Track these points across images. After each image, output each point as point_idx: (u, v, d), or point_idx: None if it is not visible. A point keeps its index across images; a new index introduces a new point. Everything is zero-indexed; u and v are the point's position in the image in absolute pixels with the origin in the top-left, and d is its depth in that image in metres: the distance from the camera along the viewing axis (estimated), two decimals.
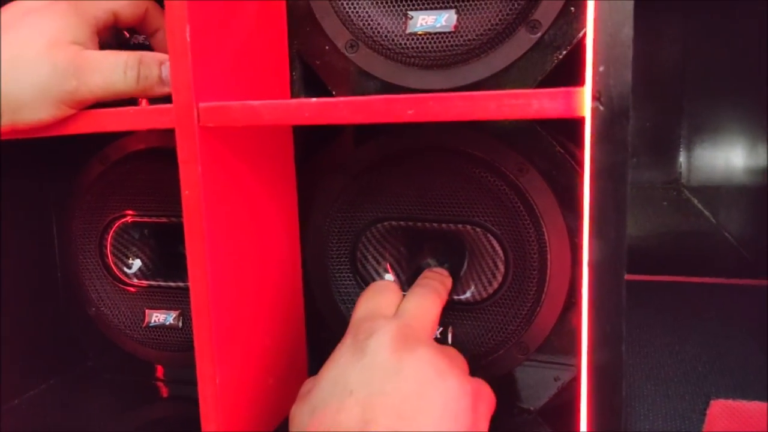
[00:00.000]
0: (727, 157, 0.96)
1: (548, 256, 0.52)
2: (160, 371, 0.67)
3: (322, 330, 0.59)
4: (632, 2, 0.33)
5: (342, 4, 0.53)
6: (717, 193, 0.98)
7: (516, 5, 0.50)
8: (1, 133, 0.46)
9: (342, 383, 0.40)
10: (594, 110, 0.34)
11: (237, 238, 0.47)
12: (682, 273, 0.93)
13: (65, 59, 0.44)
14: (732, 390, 0.55)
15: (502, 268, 0.54)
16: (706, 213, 0.99)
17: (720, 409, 0.52)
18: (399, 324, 0.44)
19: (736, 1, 0.90)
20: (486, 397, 0.44)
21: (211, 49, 0.44)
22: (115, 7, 0.50)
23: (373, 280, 0.56)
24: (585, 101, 0.35)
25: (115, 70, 0.46)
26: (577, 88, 0.35)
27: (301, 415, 0.41)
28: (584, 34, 0.49)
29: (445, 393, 0.40)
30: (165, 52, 0.50)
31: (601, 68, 0.34)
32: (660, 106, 0.99)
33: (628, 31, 0.33)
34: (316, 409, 0.40)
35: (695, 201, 1.00)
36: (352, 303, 0.56)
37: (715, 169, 0.98)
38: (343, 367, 0.41)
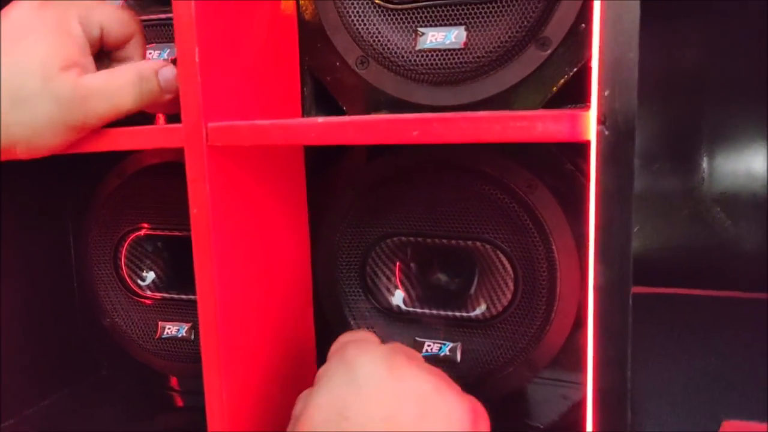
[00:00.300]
0: (749, 165, 0.95)
1: (558, 274, 0.52)
2: (173, 381, 0.68)
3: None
4: (638, 26, 0.33)
5: (352, 20, 0.54)
6: (738, 201, 0.97)
7: (526, 22, 0.49)
8: (18, 156, 0.46)
9: (337, 409, 0.38)
10: (599, 134, 0.34)
11: (246, 255, 0.48)
12: (701, 285, 0.92)
13: (66, 92, 0.44)
14: (745, 410, 0.54)
15: (511, 285, 0.53)
16: (727, 222, 0.98)
17: (732, 431, 0.51)
18: (387, 344, 0.42)
19: (757, 6, 0.89)
20: (483, 414, 0.42)
21: (220, 69, 0.45)
22: (105, 27, 0.48)
23: (383, 295, 0.56)
24: (590, 125, 0.35)
25: (119, 93, 0.45)
26: (582, 112, 0.35)
27: None
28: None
29: (446, 411, 0.39)
30: (141, 59, 0.51)
31: (606, 92, 0.33)
32: (681, 112, 0.97)
33: (633, 55, 0.33)
34: None
35: (716, 209, 0.99)
36: (362, 318, 0.56)
37: (737, 176, 0.96)
38: (336, 390, 0.39)
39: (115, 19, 0.48)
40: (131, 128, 0.46)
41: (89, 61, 0.47)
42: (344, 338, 0.45)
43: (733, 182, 0.96)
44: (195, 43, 0.42)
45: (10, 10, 0.45)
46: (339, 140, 0.40)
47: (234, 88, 0.47)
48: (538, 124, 0.36)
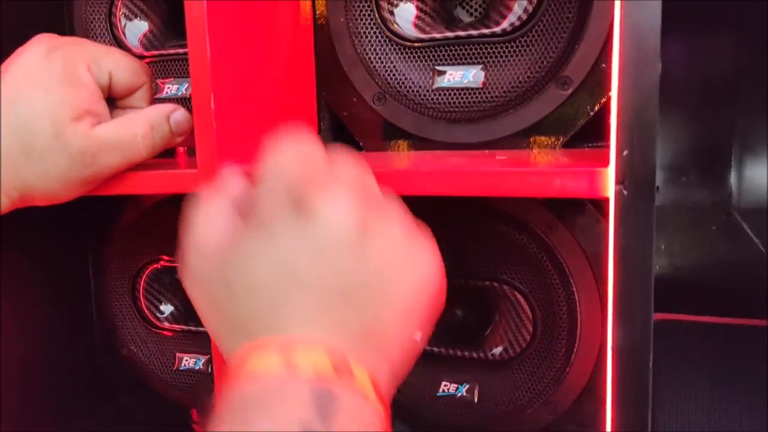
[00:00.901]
0: None
1: (578, 316, 0.51)
2: (191, 413, 0.68)
3: None
4: (657, 86, 0.32)
5: (370, 57, 0.53)
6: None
7: (546, 62, 0.49)
8: (37, 203, 0.46)
9: (288, 270, 0.31)
10: (617, 194, 0.33)
11: None
12: (732, 311, 0.89)
13: (78, 145, 0.43)
14: None
15: (530, 326, 0.52)
16: (756, 240, 0.96)
17: None
18: (342, 172, 0.34)
19: None
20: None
21: (235, 112, 0.45)
22: (114, 75, 0.47)
23: None
24: (609, 183, 0.34)
25: (131, 145, 0.44)
26: (601, 169, 0.34)
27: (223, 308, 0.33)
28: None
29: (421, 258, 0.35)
30: (147, 106, 0.49)
31: (625, 152, 0.33)
32: (711, 124, 0.95)
33: (652, 113, 0.32)
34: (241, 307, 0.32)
35: (745, 225, 0.97)
36: None
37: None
38: (287, 245, 0.31)
39: (125, 67, 0.47)
40: (147, 173, 0.46)
41: (102, 106, 0.46)
42: (289, 154, 0.34)
43: (762, 196, 0.93)
44: (210, 89, 0.42)
45: (17, 59, 0.44)
46: None
47: (249, 129, 0.47)
48: (555, 180, 0.35)
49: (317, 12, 0.56)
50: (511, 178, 0.36)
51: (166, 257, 0.63)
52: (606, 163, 0.34)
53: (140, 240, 0.64)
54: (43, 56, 0.44)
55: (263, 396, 0.28)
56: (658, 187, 0.96)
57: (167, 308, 0.65)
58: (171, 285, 0.65)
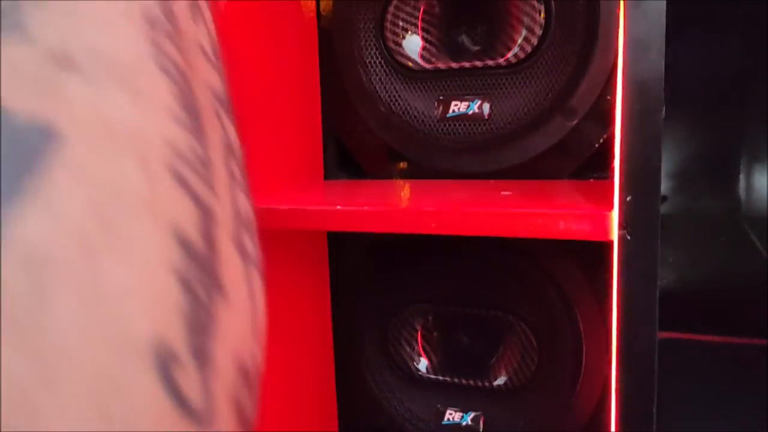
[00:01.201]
0: None
1: (583, 346, 0.51)
2: None
3: (355, 415, 0.59)
4: (660, 132, 0.32)
5: (375, 86, 0.53)
6: None
7: (551, 93, 0.49)
8: None
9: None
10: (621, 238, 0.33)
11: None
12: (743, 329, 0.88)
13: None
14: None
15: (534, 356, 0.52)
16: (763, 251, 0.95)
17: None
18: None
19: None
20: None
21: (242, 140, 0.45)
22: None
23: (405, 362, 0.56)
24: (613, 227, 0.34)
25: None
26: (605, 212, 0.34)
27: None
28: None
29: None
30: None
31: (629, 198, 0.32)
32: (719, 132, 0.95)
33: (656, 162, 0.32)
34: None
35: (753, 236, 0.96)
36: (388, 389, 0.55)
37: None
38: None
39: None
40: None
41: None
42: None
43: None
44: None
45: None
46: (357, 227, 0.40)
47: (257, 154, 0.47)
48: (560, 223, 0.35)
49: (322, 38, 0.56)
50: (516, 220, 0.36)
51: None
52: (610, 206, 0.34)
53: None
54: None
55: None
56: (666, 196, 0.95)
57: None
58: None
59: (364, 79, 0.54)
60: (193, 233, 0.14)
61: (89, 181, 0.12)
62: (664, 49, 0.31)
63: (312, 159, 0.56)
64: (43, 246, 0.11)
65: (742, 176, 0.93)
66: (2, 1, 0.13)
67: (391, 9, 0.52)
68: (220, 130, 0.18)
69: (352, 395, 0.58)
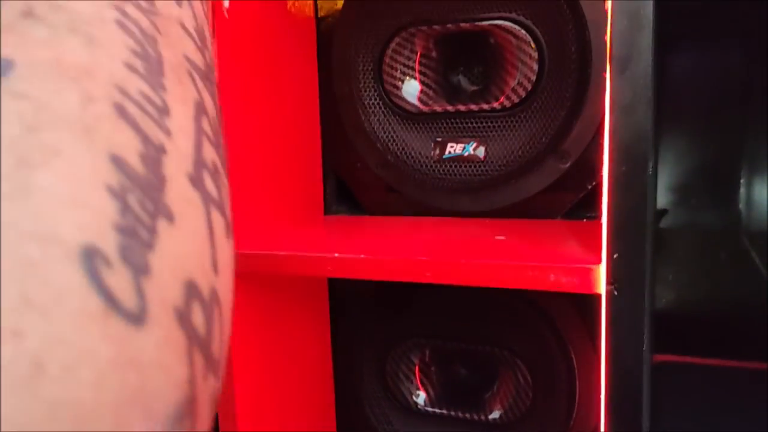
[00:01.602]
0: None
1: (576, 383, 0.52)
2: None
3: None
4: (646, 192, 0.33)
5: (373, 126, 0.55)
6: None
7: (545, 136, 0.50)
8: None
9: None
10: (608, 294, 0.34)
11: (264, 368, 0.49)
12: (742, 352, 0.89)
13: None
14: None
15: (529, 391, 0.53)
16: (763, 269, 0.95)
17: None
18: None
19: None
20: None
21: (243, 176, 0.46)
22: None
23: (404, 396, 0.57)
24: (601, 281, 0.35)
25: None
26: (593, 266, 0.35)
27: None
28: None
29: None
30: None
31: (615, 255, 0.34)
32: (719, 144, 0.95)
33: (642, 220, 0.33)
34: None
35: (753, 253, 0.96)
36: (387, 422, 0.56)
37: None
38: None
39: None
40: None
41: None
42: None
43: None
44: None
45: None
46: (354, 275, 0.41)
47: (257, 191, 0.48)
48: (550, 275, 0.36)
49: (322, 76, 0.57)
50: (508, 272, 0.37)
51: None
52: (599, 260, 0.35)
53: None
54: None
55: None
56: (666, 210, 0.96)
57: None
58: None
59: (363, 120, 0.55)
60: (133, 158, 0.15)
61: (30, 103, 0.14)
62: (651, 108, 0.32)
63: (312, 194, 0.57)
64: None
65: (742, 190, 0.94)
66: None
67: (389, 52, 0.53)
68: (193, 91, 0.19)
69: (352, 428, 0.59)
